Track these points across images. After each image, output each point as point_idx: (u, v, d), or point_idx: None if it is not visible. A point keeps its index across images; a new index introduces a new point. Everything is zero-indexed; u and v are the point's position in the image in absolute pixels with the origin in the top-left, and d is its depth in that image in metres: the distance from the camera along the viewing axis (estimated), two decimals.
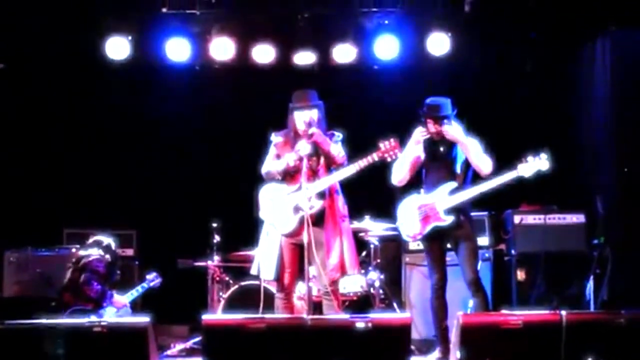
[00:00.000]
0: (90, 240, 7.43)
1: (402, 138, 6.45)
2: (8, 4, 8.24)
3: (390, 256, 8.40)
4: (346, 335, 5.33)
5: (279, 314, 6.34)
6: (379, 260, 8.06)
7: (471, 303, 6.48)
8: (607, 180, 8.23)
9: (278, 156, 6.49)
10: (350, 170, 6.33)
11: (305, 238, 6.09)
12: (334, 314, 6.22)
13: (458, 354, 5.41)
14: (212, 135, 9.37)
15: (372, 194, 7.85)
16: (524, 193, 7.63)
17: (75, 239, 8.08)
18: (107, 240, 7.45)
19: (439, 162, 6.49)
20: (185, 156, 9.35)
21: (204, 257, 7.98)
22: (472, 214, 6.64)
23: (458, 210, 6.38)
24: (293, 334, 5.37)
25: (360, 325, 5.33)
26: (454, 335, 5.60)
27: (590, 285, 7.71)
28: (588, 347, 5.39)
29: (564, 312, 5.48)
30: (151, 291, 8.03)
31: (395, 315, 7.01)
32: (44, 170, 9.06)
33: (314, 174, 6.35)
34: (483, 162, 6.37)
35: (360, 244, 8.08)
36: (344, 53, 8.71)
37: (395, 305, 7.95)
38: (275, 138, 6.55)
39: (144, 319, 5.57)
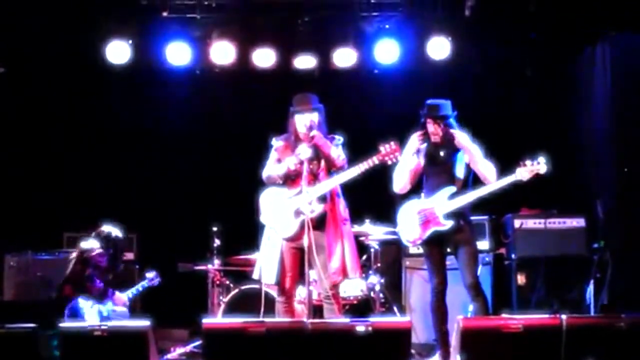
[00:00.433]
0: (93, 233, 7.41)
1: (403, 142, 6.47)
2: (9, 7, 8.25)
3: (391, 260, 8.41)
4: (346, 339, 5.33)
5: (279, 318, 6.34)
6: (379, 264, 8.06)
7: (471, 307, 6.49)
8: (607, 184, 8.23)
9: (279, 160, 6.49)
10: (351, 173, 6.34)
11: (305, 242, 6.09)
12: (334, 318, 6.22)
13: (458, 358, 5.41)
14: (213, 139, 9.38)
15: (372, 197, 7.85)
16: (524, 197, 7.63)
17: (76, 243, 8.08)
18: (108, 229, 7.38)
19: (439, 167, 6.50)
20: (185, 160, 9.36)
21: (205, 260, 7.98)
22: (473, 218, 6.64)
23: (458, 215, 6.38)
24: (293, 338, 5.37)
25: (360, 329, 5.33)
26: (454, 339, 5.60)
27: (591, 289, 7.71)
28: (588, 351, 5.38)
29: (564, 316, 5.48)
30: (151, 295, 8.03)
31: (395, 319, 7.00)
32: (44, 174, 9.06)
33: (314, 178, 6.36)
34: (488, 169, 6.38)
35: (360, 247, 8.08)
36: (344, 57, 8.71)
37: (395, 309, 7.96)
38: (276, 142, 6.56)
39: (144, 323, 5.57)
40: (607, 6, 8.18)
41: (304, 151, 6.27)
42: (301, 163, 6.28)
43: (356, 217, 7.48)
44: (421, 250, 6.74)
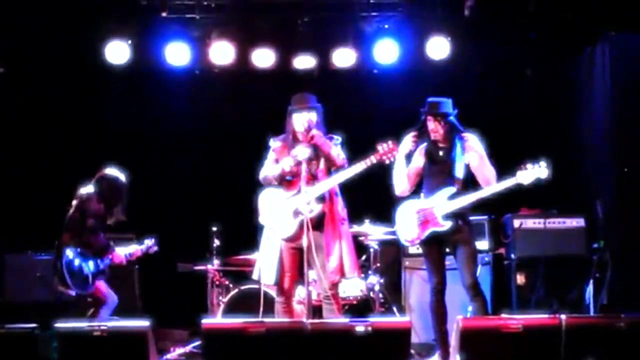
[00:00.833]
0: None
1: (402, 142, 6.47)
2: (9, 7, 8.25)
3: (390, 260, 8.40)
4: (346, 340, 5.33)
5: (279, 318, 6.34)
6: (378, 264, 8.06)
7: (470, 308, 6.49)
8: (607, 185, 8.23)
9: (277, 161, 6.49)
10: (349, 173, 6.34)
11: (305, 242, 6.09)
12: (333, 318, 6.22)
13: (458, 358, 5.42)
14: (212, 139, 9.38)
15: (372, 197, 7.86)
16: (523, 197, 7.62)
17: None
18: (108, 171, 7.29)
19: (438, 166, 6.50)
20: (185, 160, 9.35)
21: (204, 261, 7.98)
22: (472, 218, 6.64)
23: (457, 216, 6.38)
24: (293, 338, 5.37)
25: (360, 329, 5.33)
26: (453, 339, 5.60)
27: (590, 289, 7.71)
28: (588, 351, 5.38)
29: (563, 316, 5.48)
30: (151, 295, 8.03)
31: (395, 319, 7.01)
32: (43, 174, 9.06)
33: (313, 178, 6.36)
34: (490, 174, 6.36)
35: (360, 247, 8.08)
36: (343, 57, 8.72)
37: (395, 309, 7.96)
38: (274, 143, 6.56)
39: (144, 323, 5.57)
40: (607, 6, 8.18)
41: (302, 152, 6.27)
42: (297, 164, 6.27)
43: (356, 217, 7.48)
44: (420, 251, 6.74)
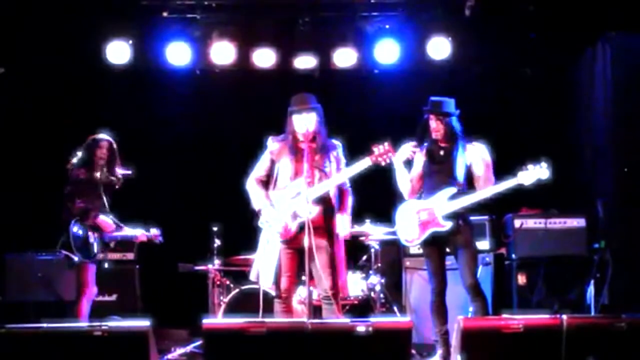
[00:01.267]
0: None
1: (403, 142, 6.47)
2: (9, 7, 8.25)
3: (391, 260, 8.41)
4: (347, 340, 5.32)
5: (279, 319, 6.33)
6: (379, 264, 8.06)
7: (471, 308, 6.48)
8: (608, 184, 8.23)
9: (273, 162, 6.47)
10: (345, 175, 6.33)
11: (306, 242, 6.07)
12: (334, 318, 6.22)
13: (459, 358, 5.41)
14: (213, 139, 9.38)
15: (372, 197, 7.85)
16: (524, 197, 7.62)
17: None
18: (98, 136, 7.33)
19: (438, 165, 6.49)
20: (185, 160, 9.35)
21: (205, 261, 7.98)
22: (472, 218, 6.63)
23: (457, 216, 6.37)
24: (294, 339, 5.36)
25: (360, 329, 5.33)
26: (454, 339, 5.59)
27: (591, 289, 7.71)
28: (588, 351, 5.38)
29: (564, 316, 5.47)
30: (152, 295, 8.02)
31: (395, 319, 7.00)
32: (44, 174, 9.05)
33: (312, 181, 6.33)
34: (487, 185, 6.36)
35: (360, 247, 8.09)
36: (344, 57, 8.72)
37: (395, 309, 7.96)
38: (272, 144, 6.52)
39: (144, 323, 5.56)
40: (607, 6, 8.19)
41: (304, 211, 6.13)
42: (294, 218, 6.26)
43: (356, 217, 7.48)
44: (421, 251, 6.74)
